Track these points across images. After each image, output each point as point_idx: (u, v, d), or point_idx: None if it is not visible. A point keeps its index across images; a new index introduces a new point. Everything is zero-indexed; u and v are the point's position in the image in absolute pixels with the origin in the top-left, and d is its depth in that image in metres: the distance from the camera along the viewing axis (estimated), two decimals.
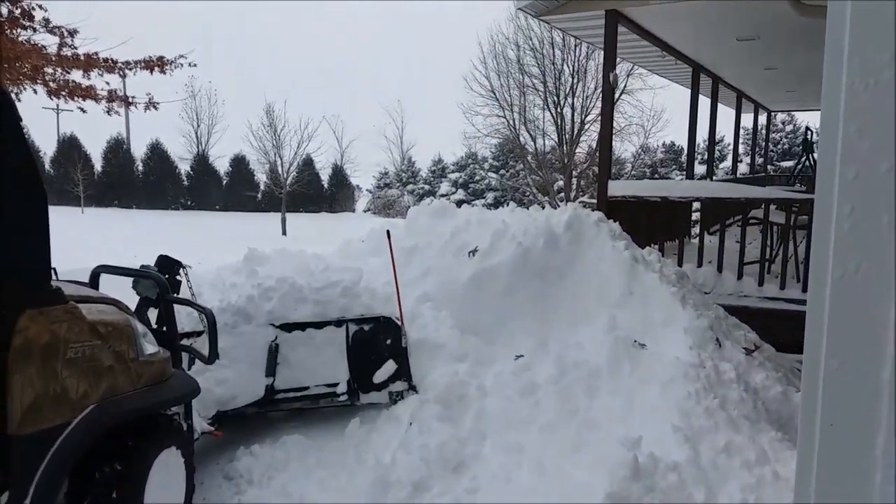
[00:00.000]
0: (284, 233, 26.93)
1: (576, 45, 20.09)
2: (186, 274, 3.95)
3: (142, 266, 3.70)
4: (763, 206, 6.39)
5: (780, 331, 5.05)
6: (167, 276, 3.69)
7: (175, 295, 3.73)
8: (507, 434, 3.93)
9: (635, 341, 4.31)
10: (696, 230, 9.85)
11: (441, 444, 3.76)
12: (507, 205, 6.25)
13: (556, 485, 3.48)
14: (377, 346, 4.40)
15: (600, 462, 3.46)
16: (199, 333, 4.10)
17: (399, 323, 4.43)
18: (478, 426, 4.01)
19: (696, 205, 8.38)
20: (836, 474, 1.45)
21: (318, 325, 4.39)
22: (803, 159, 9.73)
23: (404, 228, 6.22)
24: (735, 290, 6.15)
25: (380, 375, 4.35)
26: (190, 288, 4.03)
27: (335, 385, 4.27)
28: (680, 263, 6.51)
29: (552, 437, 3.88)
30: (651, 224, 7.14)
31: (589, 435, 3.84)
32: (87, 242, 19.17)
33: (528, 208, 5.85)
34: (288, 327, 4.35)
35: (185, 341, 3.85)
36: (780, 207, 6.63)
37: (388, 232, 4.69)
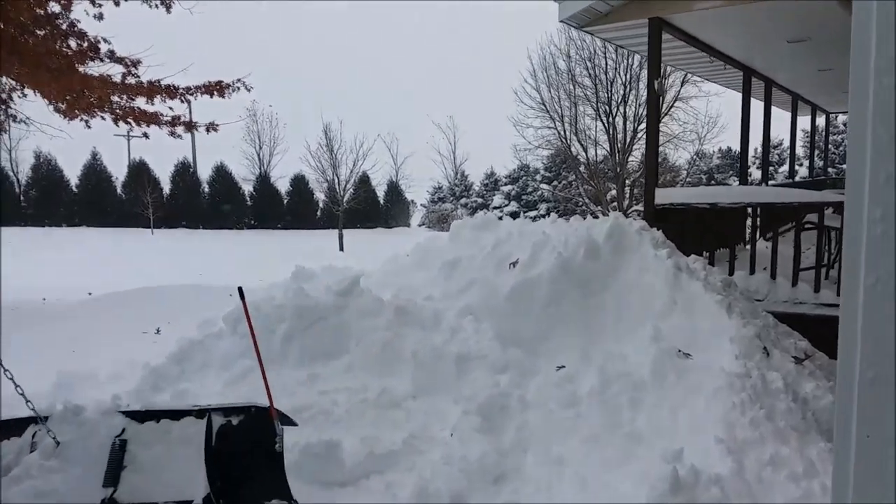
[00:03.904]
0: (342, 249, 27.48)
1: (628, 54, 19.88)
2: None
3: None
4: (818, 211, 6.18)
5: (836, 338, 4.85)
6: None
7: None
8: (548, 446, 3.91)
9: (679, 351, 4.23)
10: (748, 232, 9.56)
11: (482, 456, 3.78)
12: (557, 216, 6.22)
13: (598, 498, 3.45)
14: (246, 448, 3.37)
15: (643, 475, 3.41)
16: (33, 420, 3.14)
17: (274, 419, 3.36)
18: (519, 438, 4.01)
19: (750, 210, 8.15)
20: (873, 486, 1.42)
21: (175, 415, 3.35)
22: None
23: (447, 241, 6.31)
24: (790, 297, 5.95)
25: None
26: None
27: (190, 502, 3.15)
28: (731, 271, 6.35)
29: (594, 449, 3.84)
30: (701, 232, 6.99)
31: (632, 448, 3.79)
32: (157, 262, 20.08)
33: (569, 219, 5.83)
34: (140, 415, 3.32)
35: None
36: (837, 211, 6.39)
37: (239, 290, 3.44)
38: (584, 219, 5.64)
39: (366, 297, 5.44)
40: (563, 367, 4.48)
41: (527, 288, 4.87)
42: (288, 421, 3.50)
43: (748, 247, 8.34)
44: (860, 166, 1.37)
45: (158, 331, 8.53)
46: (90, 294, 12.09)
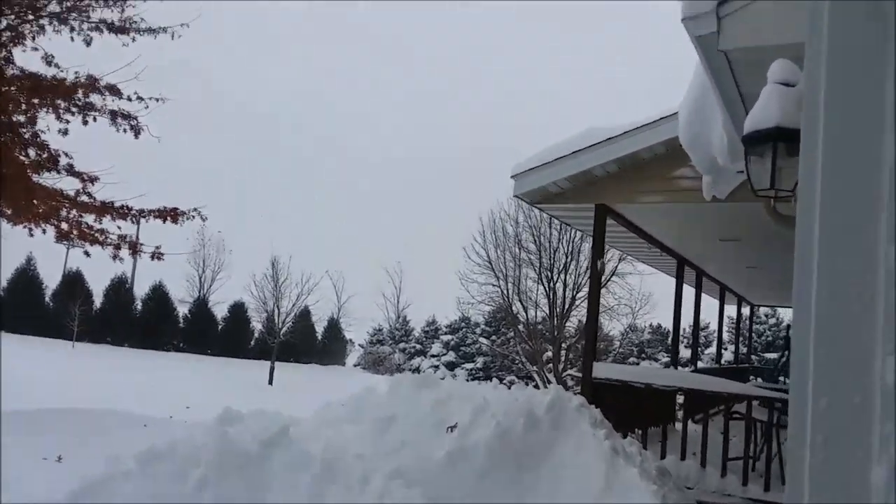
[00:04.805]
0: (271, 382, 26.51)
1: (572, 228, 21.15)
2: None
3: None
4: (747, 401, 6.39)
5: None
6: None
7: None
8: None
9: None
10: (679, 413, 9.74)
11: None
12: (492, 375, 6.25)
13: None
14: None
15: None
16: None
17: None
18: None
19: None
20: None
21: None
22: (786, 353, 9.93)
23: (385, 395, 6.18)
24: (718, 487, 5.98)
25: None
26: None
27: None
28: (663, 454, 6.39)
29: None
30: (634, 408, 7.09)
31: None
32: (73, 378, 18.86)
33: (517, 378, 5.85)
34: None
35: None
36: (763, 404, 6.62)
37: None
38: (527, 385, 5.68)
39: (293, 450, 5.19)
40: None
41: (463, 455, 4.76)
42: None
43: (677, 425, 8.47)
44: (802, 391, 1.38)
45: (60, 458, 7.91)
46: None
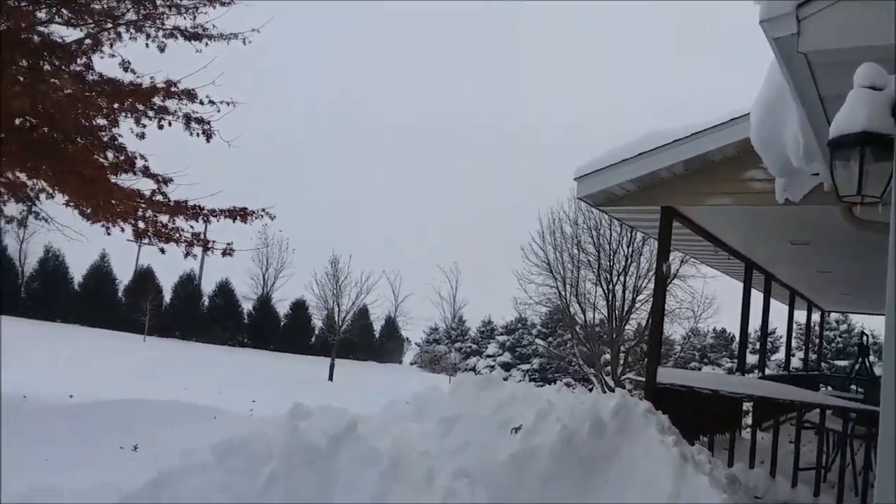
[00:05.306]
0: (331, 378, 27.08)
1: (632, 230, 20.79)
2: None
3: None
4: (819, 410, 6.19)
5: None
6: None
7: None
8: None
9: None
10: (746, 420, 9.48)
11: None
12: (548, 377, 6.24)
13: None
14: None
15: None
16: None
17: None
18: None
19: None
20: None
21: None
22: (860, 361, 9.55)
23: (448, 395, 6.25)
24: (789, 497, 5.81)
25: None
26: None
27: None
28: (731, 462, 6.25)
29: None
30: (700, 414, 6.96)
31: None
32: (145, 370, 19.77)
33: (573, 381, 5.84)
34: None
35: None
36: (837, 414, 6.40)
37: None
38: (591, 390, 5.66)
39: (360, 446, 5.31)
40: None
41: (527, 457, 4.79)
42: None
43: (744, 434, 8.26)
44: (895, 403, 1.38)
45: (136, 448, 8.31)
46: (71, 397, 11.84)
